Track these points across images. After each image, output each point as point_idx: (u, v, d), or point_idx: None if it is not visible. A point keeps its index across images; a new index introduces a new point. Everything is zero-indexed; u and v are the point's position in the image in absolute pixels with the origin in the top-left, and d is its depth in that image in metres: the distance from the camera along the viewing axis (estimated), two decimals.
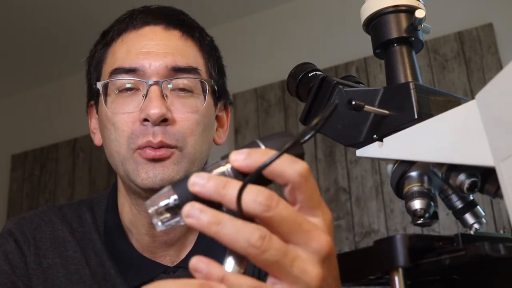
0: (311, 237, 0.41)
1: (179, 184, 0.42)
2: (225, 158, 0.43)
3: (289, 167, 0.42)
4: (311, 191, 0.42)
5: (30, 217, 0.86)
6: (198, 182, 0.41)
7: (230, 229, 0.39)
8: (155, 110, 0.74)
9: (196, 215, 0.40)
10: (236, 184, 0.40)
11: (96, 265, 0.82)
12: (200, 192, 0.41)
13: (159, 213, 0.42)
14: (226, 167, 0.43)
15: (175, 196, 0.42)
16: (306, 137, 0.43)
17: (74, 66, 3.35)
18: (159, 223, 0.42)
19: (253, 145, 0.44)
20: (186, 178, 0.42)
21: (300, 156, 0.43)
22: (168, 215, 0.42)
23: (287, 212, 0.41)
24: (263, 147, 0.43)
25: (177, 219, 0.42)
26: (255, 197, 0.40)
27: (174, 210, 0.42)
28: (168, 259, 0.84)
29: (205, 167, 0.44)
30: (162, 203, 0.42)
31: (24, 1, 2.88)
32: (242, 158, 0.42)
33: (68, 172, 3.33)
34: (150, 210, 0.42)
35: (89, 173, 3.27)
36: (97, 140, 0.87)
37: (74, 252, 0.83)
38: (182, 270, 0.83)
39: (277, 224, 0.40)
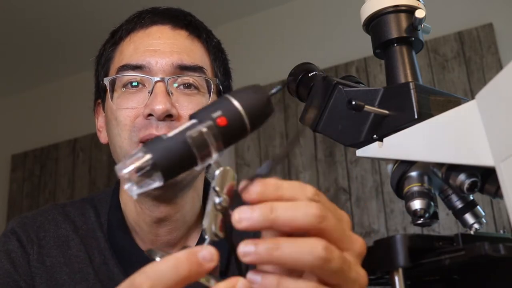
0: (353, 240, 0.43)
1: (152, 146, 0.40)
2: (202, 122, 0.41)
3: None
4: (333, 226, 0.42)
5: (33, 216, 0.86)
6: (244, 216, 0.39)
7: (291, 249, 0.38)
8: (160, 105, 0.75)
9: (251, 250, 0.38)
10: (282, 205, 0.39)
11: (99, 263, 0.82)
12: (250, 226, 0.39)
13: (131, 177, 0.39)
14: (204, 129, 0.41)
15: (149, 157, 0.39)
16: (274, 91, 0.46)
17: (74, 66, 3.35)
18: (134, 188, 0.40)
19: (225, 100, 0.43)
20: (158, 139, 0.41)
21: (270, 113, 0.44)
22: (141, 179, 0.40)
23: (335, 220, 0.41)
24: (235, 102, 0.42)
25: (151, 183, 0.40)
26: (307, 210, 0.39)
27: (150, 173, 0.40)
28: None
29: (181, 129, 0.41)
30: (135, 165, 0.39)
31: (24, 1, 2.88)
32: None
33: (68, 172, 3.33)
34: (121, 173, 0.39)
35: (89, 173, 3.26)
36: (103, 138, 0.87)
37: (78, 250, 0.83)
38: None
39: (329, 233, 0.40)
